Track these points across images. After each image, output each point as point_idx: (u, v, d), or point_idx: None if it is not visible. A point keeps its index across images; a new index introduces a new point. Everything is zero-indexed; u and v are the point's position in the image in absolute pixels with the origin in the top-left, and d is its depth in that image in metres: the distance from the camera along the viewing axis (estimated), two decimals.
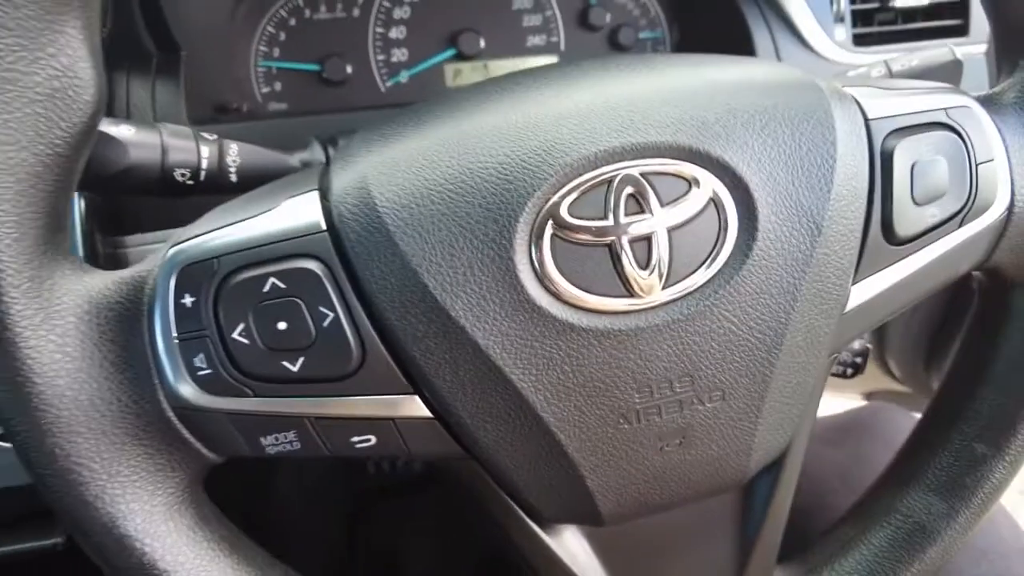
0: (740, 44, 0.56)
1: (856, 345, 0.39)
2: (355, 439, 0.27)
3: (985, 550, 0.48)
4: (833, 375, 0.39)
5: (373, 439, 0.27)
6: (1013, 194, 0.31)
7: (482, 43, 0.58)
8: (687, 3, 0.61)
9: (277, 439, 0.26)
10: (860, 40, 0.57)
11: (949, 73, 0.40)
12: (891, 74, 0.41)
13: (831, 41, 0.55)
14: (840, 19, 0.56)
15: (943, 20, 0.58)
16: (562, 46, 0.61)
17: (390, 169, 0.26)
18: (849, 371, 0.39)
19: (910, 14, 0.59)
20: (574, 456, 0.27)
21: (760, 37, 0.55)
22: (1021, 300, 0.33)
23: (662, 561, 0.32)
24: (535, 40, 0.60)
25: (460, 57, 0.59)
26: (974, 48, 0.58)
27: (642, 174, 0.26)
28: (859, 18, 0.57)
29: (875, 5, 0.57)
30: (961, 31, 0.58)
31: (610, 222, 0.26)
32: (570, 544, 0.31)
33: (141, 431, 0.26)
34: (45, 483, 0.25)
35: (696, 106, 0.27)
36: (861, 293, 0.29)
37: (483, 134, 0.26)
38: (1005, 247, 0.32)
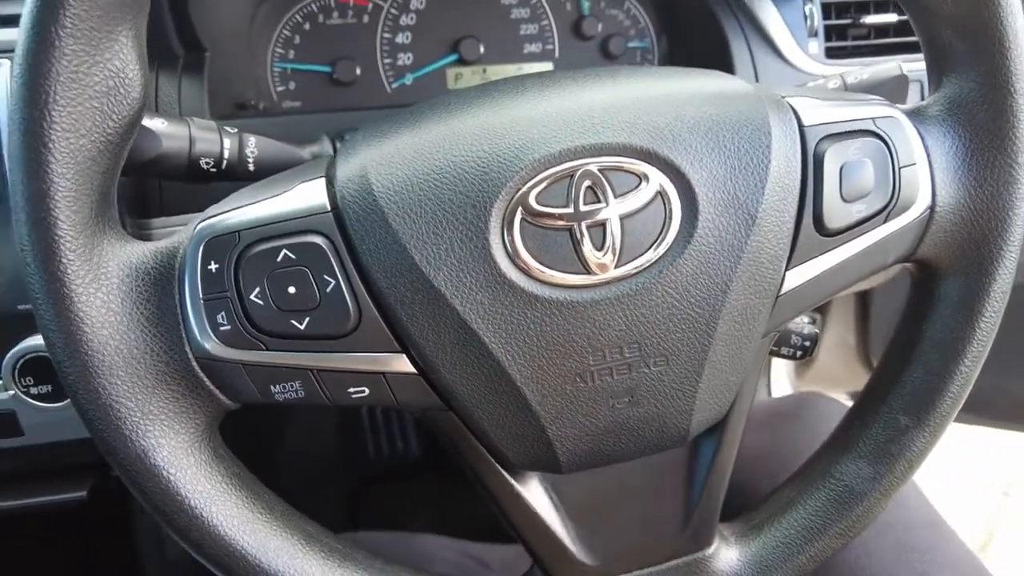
0: (720, 55, 0.60)
1: (806, 330, 0.43)
2: (351, 390, 0.31)
3: (893, 523, 0.52)
4: (784, 356, 0.43)
5: (367, 390, 0.31)
6: (934, 195, 0.35)
7: (482, 49, 0.63)
8: (674, 16, 0.65)
9: (284, 387, 0.31)
10: (832, 53, 0.61)
11: (897, 86, 0.45)
12: (846, 85, 0.46)
13: (804, 54, 0.60)
14: (814, 34, 0.60)
15: (912, 36, 0.62)
16: (557, 53, 0.65)
17: (387, 161, 0.31)
18: (798, 353, 0.43)
19: (882, 30, 0.63)
20: (537, 409, 0.31)
21: (738, 49, 0.60)
22: (944, 289, 0.37)
23: (616, 511, 0.36)
24: (531, 47, 0.65)
25: (461, 62, 0.63)
26: None
27: (599, 169, 0.30)
28: (833, 33, 0.62)
29: (847, 21, 0.61)
30: None
31: (571, 210, 0.30)
32: (535, 492, 0.35)
33: (170, 377, 0.30)
34: (88, 417, 0.30)
35: (649, 113, 0.31)
36: (795, 278, 0.34)
37: (467, 133, 0.31)
38: (929, 242, 0.36)
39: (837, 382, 1.16)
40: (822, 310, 1.17)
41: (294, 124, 0.56)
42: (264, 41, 0.61)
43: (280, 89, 0.61)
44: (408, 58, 0.63)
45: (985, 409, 1.01)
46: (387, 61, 0.63)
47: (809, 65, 0.60)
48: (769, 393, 1.14)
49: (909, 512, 0.53)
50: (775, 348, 0.42)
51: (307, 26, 0.61)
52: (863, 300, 1.08)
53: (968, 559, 0.52)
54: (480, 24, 0.63)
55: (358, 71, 0.62)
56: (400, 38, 0.63)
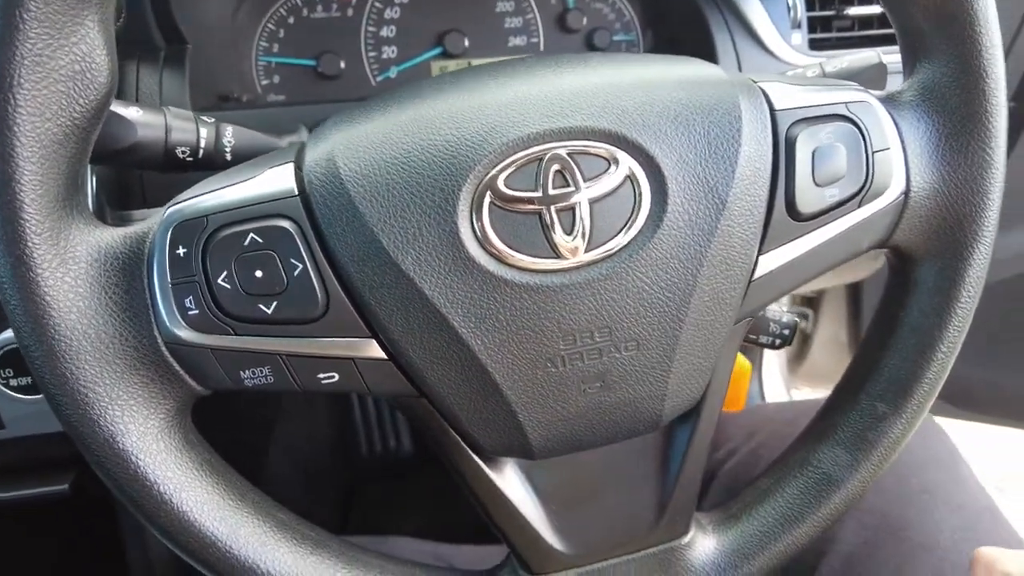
0: (704, 48, 0.60)
1: (784, 319, 0.43)
2: (321, 376, 0.31)
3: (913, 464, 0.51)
4: (762, 345, 0.43)
5: (336, 376, 0.31)
6: (908, 180, 0.35)
7: (466, 43, 0.63)
8: (658, 9, 0.65)
9: (254, 373, 0.31)
10: (816, 45, 0.61)
11: (875, 74, 0.44)
12: (824, 74, 0.45)
13: (788, 45, 0.60)
14: (797, 25, 0.60)
15: None
16: (542, 47, 0.65)
17: (355, 145, 0.31)
18: (777, 342, 0.43)
19: (866, 21, 0.63)
20: (508, 394, 0.31)
21: (722, 41, 0.60)
22: (920, 275, 0.37)
23: (591, 498, 0.36)
24: (516, 41, 0.65)
25: (446, 55, 0.63)
26: None
27: (568, 153, 0.30)
28: (817, 24, 0.62)
29: (831, 13, 0.61)
30: None
31: (540, 194, 0.30)
32: (510, 479, 0.35)
33: (138, 362, 0.30)
34: (56, 403, 0.30)
35: (618, 97, 0.31)
36: (768, 263, 0.33)
37: (436, 117, 0.31)
38: (904, 227, 0.36)
39: (830, 379, 1.15)
40: (814, 307, 1.17)
41: (275, 116, 0.56)
42: (248, 35, 0.61)
43: (265, 83, 0.61)
44: (393, 51, 0.63)
45: (979, 405, 1.01)
46: (372, 54, 0.63)
47: (793, 56, 0.60)
48: (761, 391, 1.14)
49: (929, 452, 0.52)
50: (753, 336, 0.42)
51: (291, 20, 0.61)
52: (855, 296, 1.08)
53: (982, 500, 0.50)
54: (465, 17, 0.63)
55: (342, 64, 0.62)
56: (385, 31, 0.63)
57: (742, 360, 0.70)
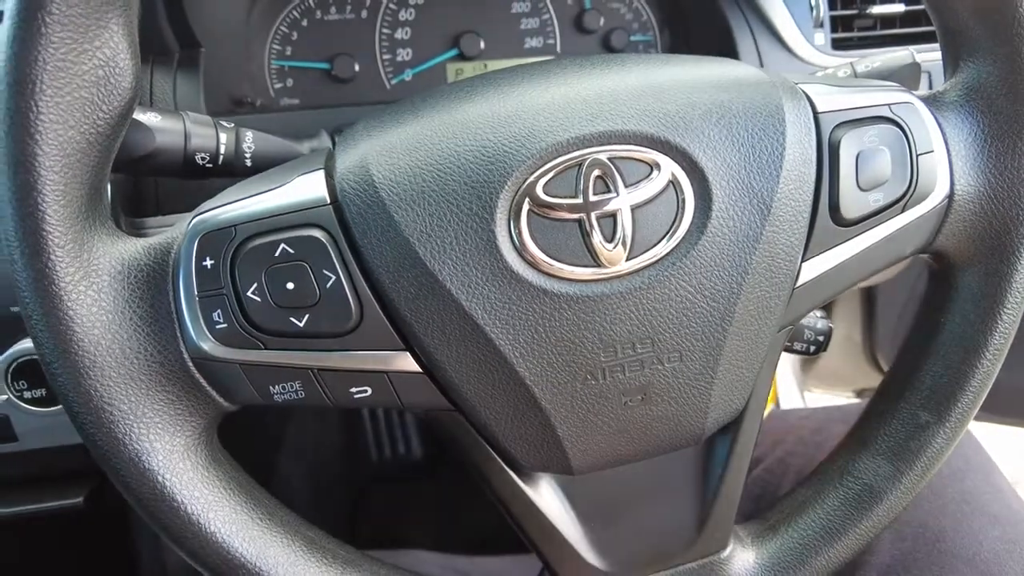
0: (725, 48, 0.59)
1: (819, 324, 0.42)
2: (353, 390, 0.30)
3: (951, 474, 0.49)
4: (797, 352, 0.42)
5: (369, 390, 0.30)
6: (952, 183, 0.34)
7: (482, 44, 0.62)
8: (677, 9, 0.64)
9: (284, 388, 0.30)
10: (839, 44, 0.60)
11: (909, 74, 0.43)
12: (855, 74, 0.44)
13: (811, 45, 0.59)
14: (820, 25, 0.59)
15: (919, 27, 0.61)
16: (558, 48, 0.64)
17: (388, 151, 0.30)
18: (811, 348, 0.42)
19: (888, 20, 0.62)
20: (546, 408, 0.30)
21: (743, 41, 0.59)
22: (963, 281, 0.36)
23: (629, 513, 0.35)
24: (532, 42, 0.64)
25: (461, 57, 0.62)
26: None
27: (609, 158, 0.29)
28: (839, 24, 0.61)
29: (854, 12, 0.60)
30: (936, 37, 0.61)
31: (580, 200, 0.29)
32: (546, 494, 0.34)
33: (164, 378, 0.29)
34: (79, 421, 0.29)
35: (659, 100, 0.30)
36: (811, 269, 0.32)
37: (471, 121, 0.30)
38: (947, 232, 0.35)
39: (843, 380, 1.14)
40: (828, 308, 1.16)
41: (292, 120, 0.55)
42: (261, 38, 0.59)
43: (278, 86, 0.60)
44: (407, 54, 0.62)
45: (994, 405, 1.00)
46: (386, 57, 0.62)
47: (815, 57, 0.59)
48: (775, 393, 1.13)
49: (965, 461, 0.51)
50: (788, 344, 0.41)
51: (304, 22, 0.60)
52: (868, 297, 1.07)
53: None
54: (480, 19, 0.62)
55: (357, 67, 0.60)
56: (399, 33, 0.62)
57: None
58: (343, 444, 1.09)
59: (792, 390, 1.14)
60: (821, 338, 0.42)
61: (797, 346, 0.41)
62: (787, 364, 1.14)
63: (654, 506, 0.35)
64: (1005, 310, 0.35)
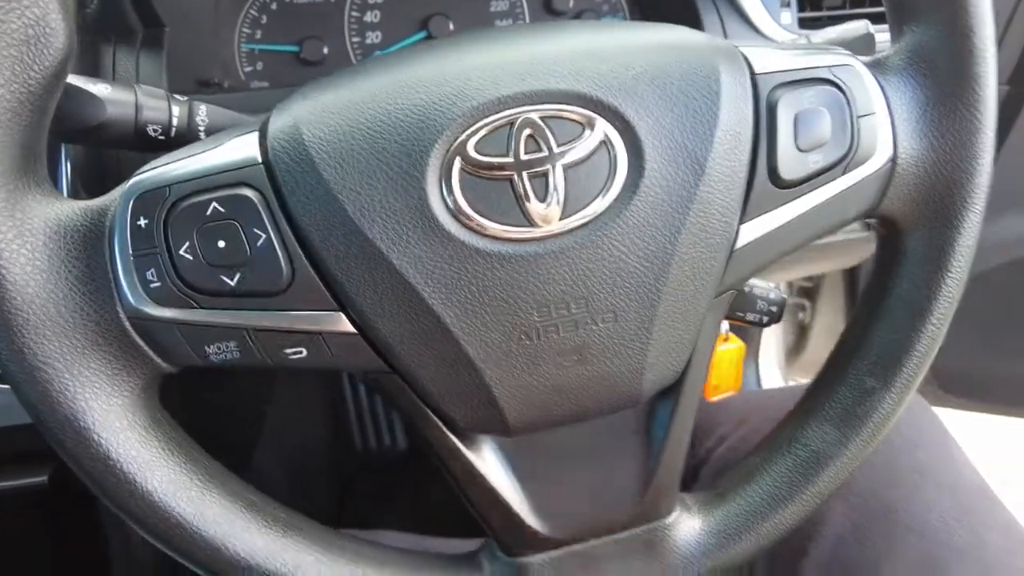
0: (692, 27, 0.59)
1: (772, 295, 0.42)
2: (289, 351, 0.30)
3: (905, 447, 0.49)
4: (749, 323, 0.42)
5: (304, 351, 0.30)
6: (895, 146, 0.34)
7: (451, 26, 0.62)
8: None
9: (220, 348, 0.30)
10: (806, 24, 0.60)
11: (864, 44, 0.43)
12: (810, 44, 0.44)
13: (777, 24, 0.59)
14: (786, 4, 0.59)
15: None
16: None
17: (320, 112, 0.30)
18: (764, 319, 0.42)
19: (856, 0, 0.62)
20: (482, 368, 0.30)
21: (710, 21, 0.59)
22: (910, 244, 0.36)
23: (571, 477, 0.35)
24: (502, 24, 0.64)
25: (430, 39, 0.62)
26: None
27: (541, 117, 0.29)
28: (807, 3, 0.61)
29: None
30: None
31: (511, 159, 0.29)
32: (488, 459, 0.34)
33: (101, 338, 0.29)
34: (14, 379, 0.29)
35: (593, 60, 0.30)
36: (751, 232, 0.32)
37: (404, 83, 0.30)
38: (892, 195, 0.35)
39: None
40: (812, 297, 1.16)
41: (258, 99, 0.55)
42: (231, 21, 0.60)
43: (248, 69, 0.61)
44: (377, 36, 0.62)
45: (982, 394, 1.00)
46: (355, 40, 0.62)
47: (782, 36, 0.59)
48: (759, 382, 1.13)
49: (919, 433, 0.51)
50: (740, 314, 0.41)
51: (274, 6, 0.60)
52: (853, 286, 1.06)
53: (974, 482, 0.49)
54: (449, 1, 0.62)
55: (326, 50, 0.61)
56: (368, 16, 0.62)
57: (736, 341, 0.69)
58: (327, 433, 1.10)
59: (777, 381, 1.14)
60: (774, 308, 0.42)
61: (749, 316, 0.41)
62: (772, 353, 1.14)
63: (597, 471, 0.35)
64: (950, 273, 0.35)
